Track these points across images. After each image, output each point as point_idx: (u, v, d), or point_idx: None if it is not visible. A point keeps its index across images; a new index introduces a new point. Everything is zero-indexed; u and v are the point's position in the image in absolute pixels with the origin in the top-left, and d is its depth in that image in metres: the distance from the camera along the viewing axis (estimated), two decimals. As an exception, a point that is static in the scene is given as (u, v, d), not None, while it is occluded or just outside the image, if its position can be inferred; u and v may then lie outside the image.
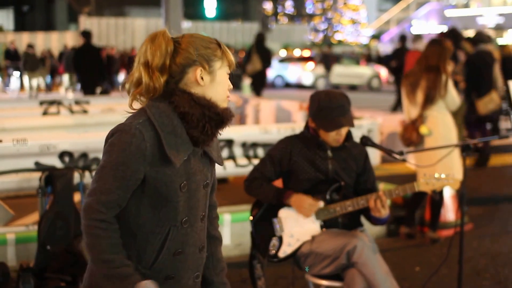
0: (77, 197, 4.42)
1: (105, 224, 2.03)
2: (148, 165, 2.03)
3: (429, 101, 5.44)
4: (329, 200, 3.53)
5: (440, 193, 5.62)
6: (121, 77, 22.43)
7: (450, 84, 5.48)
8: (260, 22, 34.88)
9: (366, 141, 3.67)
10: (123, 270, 2.02)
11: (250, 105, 9.66)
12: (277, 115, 8.98)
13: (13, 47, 23.10)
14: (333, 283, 3.43)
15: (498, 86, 8.37)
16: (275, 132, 5.64)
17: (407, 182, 3.54)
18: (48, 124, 7.22)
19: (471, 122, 8.41)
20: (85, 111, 8.26)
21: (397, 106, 14.16)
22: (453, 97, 5.50)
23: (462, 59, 8.91)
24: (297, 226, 3.53)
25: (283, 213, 3.55)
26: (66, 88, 19.86)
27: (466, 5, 37.20)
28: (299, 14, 52.11)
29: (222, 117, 2.09)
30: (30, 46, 20.13)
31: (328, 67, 24.53)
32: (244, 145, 5.62)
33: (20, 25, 42.12)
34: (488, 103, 8.11)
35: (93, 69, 11.69)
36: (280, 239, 3.53)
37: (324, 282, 3.46)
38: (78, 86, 14.49)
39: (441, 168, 4.80)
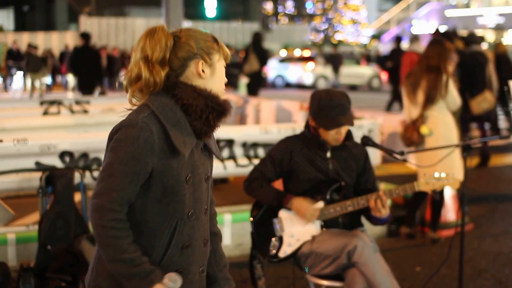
0: (77, 197, 4.42)
1: (121, 224, 2.01)
2: (156, 158, 2.03)
3: (429, 101, 5.44)
4: (329, 200, 3.53)
5: (440, 193, 5.62)
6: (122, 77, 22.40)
7: (451, 84, 5.48)
8: (261, 22, 34.91)
9: (367, 141, 3.66)
10: (144, 268, 2.02)
11: (250, 105, 9.65)
12: (278, 115, 8.98)
13: (16, 47, 23.12)
14: (334, 283, 3.43)
15: (492, 85, 8.42)
16: (276, 132, 5.64)
17: (407, 182, 3.54)
18: (48, 124, 7.21)
19: (465, 121, 8.47)
20: (85, 111, 8.26)
21: (390, 106, 14.20)
22: (454, 97, 5.50)
23: (455, 59, 8.95)
24: (298, 226, 3.53)
25: (284, 213, 3.55)
26: (73, 88, 19.86)
27: (467, 5, 37.20)
28: (300, 14, 52.11)
29: (223, 108, 2.14)
30: (34, 47, 20.13)
31: (336, 68, 24.35)
32: (244, 145, 5.61)
33: (21, 25, 42.12)
34: (481, 103, 8.15)
35: (91, 71, 11.84)
36: (281, 239, 3.53)
37: (324, 282, 3.46)
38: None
39: (442, 168, 4.78)
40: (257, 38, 12.52)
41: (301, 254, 3.49)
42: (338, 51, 25.86)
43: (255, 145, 5.65)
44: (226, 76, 2.25)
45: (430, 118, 5.48)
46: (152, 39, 2.08)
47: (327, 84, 24.73)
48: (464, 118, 8.21)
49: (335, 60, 24.42)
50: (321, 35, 51.58)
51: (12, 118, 7.38)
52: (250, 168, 5.24)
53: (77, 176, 4.45)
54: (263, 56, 12.52)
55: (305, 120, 3.70)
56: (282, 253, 3.51)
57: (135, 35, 33.05)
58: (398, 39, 14.43)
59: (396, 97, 14.48)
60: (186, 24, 28.72)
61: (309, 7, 52.36)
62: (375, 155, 6.16)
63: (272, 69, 27.36)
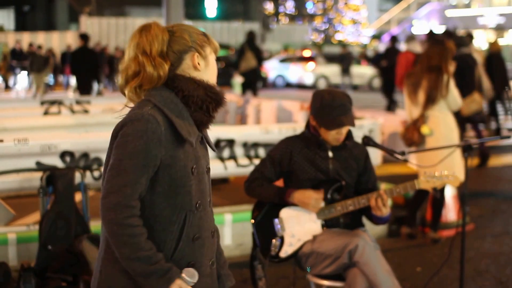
0: (78, 197, 4.42)
1: (137, 221, 2.00)
2: (164, 150, 2.04)
3: (430, 101, 5.44)
4: (330, 199, 3.53)
5: (441, 193, 5.62)
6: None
7: (452, 84, 5.48)
8: (261, 22, 34.85)
9: (368, 141, 3.67)
10: (162, 266, 2.01)
11: (251, 105, 9.66)
12: (278, 115, 8.99)
13: (19, 46, 23.12)
14: (335, 283, 3.43)
15: (482, 87, 8.50)
16: (276, 132, 5.64)
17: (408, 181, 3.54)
18: (49, 124, 7.22)
19: (460, 122, 8.54)
20: (86, 111, 8.27)
21: (390, 106, 14.22)
22: (455, 97, 5.50)
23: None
24: (299, 226, 3.53)
25: (284, 213, 3.55)
26: (75, 89, 19.86)
27: (467, 5, 37.16)
28: (300, 14, 52.10)
29: (220, 97, 2.18)
30: (38, 46, 20.14)
31: (346, 68, 24.06)
32: (245, 145, 5.61)
33: (21, 25, 42.11)
34: (470, 104, 8.20)
35: (89, 71, 11.95)
36: (282, 239, 3.53)
37: (325, 282, 3.46)
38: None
39: (443, 168, 4.77)
40: (251, 37, 12.72)
41: (302, 254, 3.49)
42: (347, 51, 25.37)
43: (255, 145, 5.65)
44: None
45: (431, 118, 5.48)
46: (148, 34, 2.10)
47: (344, 85, 24.34)
48: (458, 119, 8.28)
49: (345, 60, 24.02)
50: (322, 35, 51.58)
51: (12, 118, 7.38)
52: (251, 168, 5.25)
53: (77, 176, 4.45)
54: (259, 54, 12.69)
55: (306, 120, 3.70)
56: (283, 253, 3.51)
57: (135, 35, 32.93)
58: (393, 39, 14.56)
59: (387, 95, 14.65)
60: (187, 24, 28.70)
61: (310, 7, 52.36)
62: (375, 155, 6.16)
63: (273, 69, 27.35)
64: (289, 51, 32.46)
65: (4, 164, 4.57)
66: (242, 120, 9.76)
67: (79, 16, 34.31)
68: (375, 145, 3.69)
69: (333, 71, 25.82)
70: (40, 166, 4.62)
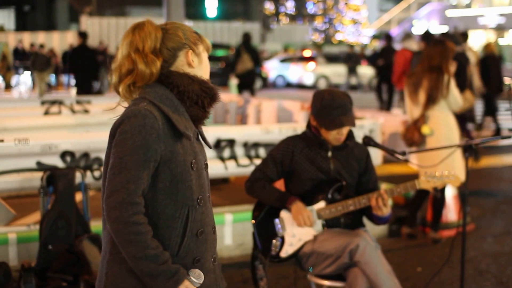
0: (78, 197, 4.42)
1: (143, 218, 1.99)
2: (163, 145, 2.05)
3: (431, 101, 5.44)
4: (330, 199, 3.53)
5: (441, 193, 5.61)
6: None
7: (453, 84, 5.48)
8: (261, 22, 34.85)
9: (368, 141, 3.66)
10: (170, 267, 2.01)
11: (251, 105, 9.67)
12: (279, 115, 9.00)
13: (21, 46, 23.10)
14: (335, 283, 3.43)
15: (474, 85, 8.54)
16: (277, 132, 5.64)
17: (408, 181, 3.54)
18: (49, 124, 7.22)
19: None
20: (86, 111, 8.27)
21: (389, 104, 14.25)
22: (455, 97, 5.50)
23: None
24: (299, 226, 3.52)
25: (285, 213, 3.55)
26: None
27: (468, 5, 37.13)
28: (300, 14, 52.09)
29: (215, 92, 2.19)
30: (40, 46, 20.13)
31: (353, 69, 23.72)
32: (245, 145, 5.61)
33: (21, 25, 42.11)
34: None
35: (88, 70, 11.93)
36: (282, 239, 3.53)
37: (326, 282, 3.46)
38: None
39: (443, 168, 4.78)
40: (247, 38, 12.77)
41: (302, 253, 3.49)
42: (354, 50, 24.92)
43: (256, 145, 5.65)
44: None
45: (432, 118, 5.48)
46: (141, 32, 2.11)
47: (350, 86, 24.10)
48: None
49: (352, 61, 23.57)
50: (322, 35, 51.56)
51: (13, 118, 7.38)
52: (251, 168, 5.24)
53: (78, 176, 4.45)
54: (255, 56, 12.76)
55: (306, 120, 3.70)
56: (284, 253, 3.51)
57: (136, 35, 32.92)
58: (388, 37, 14.67)
59: (379, 93, 14.71)
60: (187, 24, 28.73)
61: (310, 7, 52.35)
62: (376, 155, 6.16)
63: (273, 69, 27.35)
64: (290, 51, 32.45)
65: (4, 164, 4.57)
66: (242, 120, 9.77)
67: (79, 16, 34.32)
68: (375, 145, 3.69)
69: (333, 71, 25.80)
70: (40, 166, 4.62)
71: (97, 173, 4.85)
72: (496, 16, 33.37)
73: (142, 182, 2.01)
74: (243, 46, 12.67)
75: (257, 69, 13.51)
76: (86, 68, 11.91)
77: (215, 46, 25.01)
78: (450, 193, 5.96)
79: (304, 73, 26.51)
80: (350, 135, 3.59)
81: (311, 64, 26.53)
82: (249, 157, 5.62)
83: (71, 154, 4.77)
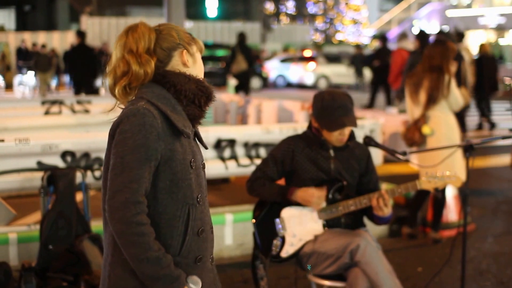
0: (79, 197, 4.42)
1: (146, 218, 1.98)
2: (163, 143, 2.05)
3: (431, 101, 5.43)
4: (331, 199, 3.53)
5: (442, 193, 5.61)
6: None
7: (453, 84, 5.47)
8: (262, 22, 34.86)
9: (369, 141, 3.66)
10: (171, 271, 2.00)
11: (252, 105, 9.67)
12: (279, 115, 8.99)
13: (24, 46, 23.08)
14: (336, 283, 3.43)
15: (467, 83, 8.56)
16: (277, 132, 5.64)
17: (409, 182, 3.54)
18: (50, 124, 7.23)
19: None
20: (87, 111, 8.27)
21: (389, 104, 14.29)
22: (456, 97, 5.49)
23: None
24: (300, 226, 3.52)
25: (286, 213, 3.55)
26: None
27: (468, 5, 37.10)
28: (301, 14, 52.08)
29: (210, 91, 2.20)
30: (42, 45, 20.12)
31: (360, 70, 23.49)
32: (246, 145, 5.61)
33: (22, 25, 42.12)
34: None
35: (86, 69, 11.90)
36: (283, 239, 3.53)
37: (326, 283, 3.45)
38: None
39: (444, 168, 4.78)
40: (242, 39, 12.79)
41: (303, 253, 3.49)
42: (360, 51, 24.64)
43: (256, 145, 5.65)
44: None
45: (432, 118, 5.48)
46: (134, 33, 2.13)
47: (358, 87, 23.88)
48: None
49: (359, 61, 23.15)
50: (322, 35, 51.55)
51: (13, 118, 7.39)
52: (252, 168, 5.24)
53: (78, 176, 4.45)
54: (249, 56, 12.80)
55: (307, 120, 3.69)
56: (285, 253, 3.51)
57: (136, 35, 32.91)
58: (383, 38, 14.79)
59: (374, 92, 14.77)
60: (188, 24, 28.74)
61: (310, 7, 52.35)
62: (376, 155, 6.16)
63: (274, 69, 27.36)
64: (290, 51, 32.45)
65: (5, 164, 4.57)
66: (243, 120, 9.77)
67: (80, 16, 34.32)
68: (376, 145, 3.69)
69: (333, 71, 25.80)
70: (41, 166, 4.63)
71: (97, 173, 4.85)
72: (496, 16, 33.35)
73: (145, 181, 2.00)
74: (238, 46, 12.71)
75: (257, 68, 13.57)
76: (85, 67, 11.88)
77: (216, 46, 25.00)
78: (451, 193, 5.96)
79: (305, 73, 26.52)
80: (352, 135, 3.59)
81: (312, 64, 26.55)
82: (250, 157, 5.62)
83: (72, 154, 4.77)
